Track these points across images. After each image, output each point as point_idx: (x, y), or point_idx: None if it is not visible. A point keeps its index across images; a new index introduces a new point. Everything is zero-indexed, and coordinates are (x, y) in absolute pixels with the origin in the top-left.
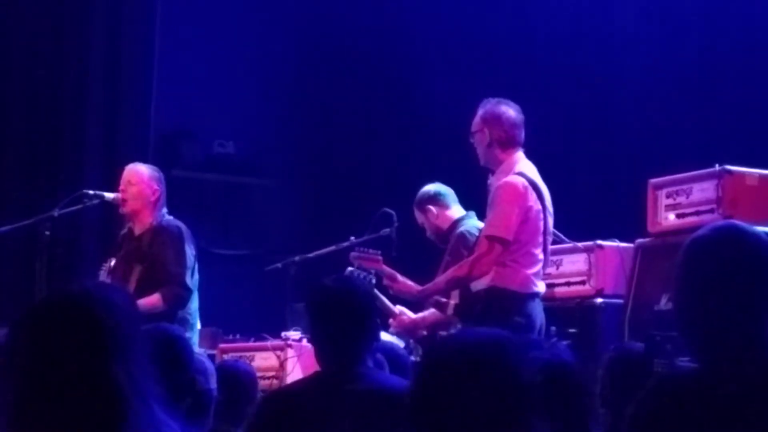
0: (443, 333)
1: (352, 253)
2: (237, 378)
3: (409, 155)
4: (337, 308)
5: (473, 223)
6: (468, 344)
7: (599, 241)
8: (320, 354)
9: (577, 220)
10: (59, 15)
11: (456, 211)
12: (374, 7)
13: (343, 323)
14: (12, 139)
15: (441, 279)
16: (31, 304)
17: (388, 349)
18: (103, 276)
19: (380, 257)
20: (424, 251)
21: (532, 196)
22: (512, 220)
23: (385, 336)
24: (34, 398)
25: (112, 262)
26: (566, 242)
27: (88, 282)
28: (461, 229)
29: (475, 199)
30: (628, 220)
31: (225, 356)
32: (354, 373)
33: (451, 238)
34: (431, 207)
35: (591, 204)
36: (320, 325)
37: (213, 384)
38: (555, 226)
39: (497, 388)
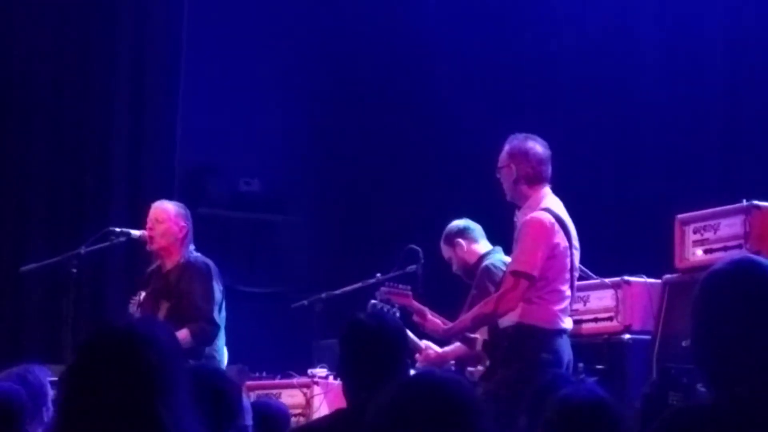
0: (471, 369)
1: (382, 288)
2: (271, 416)
3: (435, 191)
4: (367, 343)
5: (499, 257)
6: (432, 386)
7: (626, 277)
8: (346, 388)
9: (604, 256)
10: (84, 52)
11: (483, 245)
12: (399, 43)
13: (372, 358)
14: (37, 177)
15: (467, 317)
16: (77, 341)
17: None
18: (133, 309)
19: (410, 293)
20: (450, 288)
21: (559, 232)
22: (538, 256)
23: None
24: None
25: (142, 296)
26: (593, 278)
27: (132, 318)
28: (487, 262)
29: (501, 234)
30: (655, 255)
31: (252, 394)
32: None
33: (477, 272)
34: (460, 240)
35: (618, 240)
36: (349, 359)
37: (249, 421)
38: (582, 262)
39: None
